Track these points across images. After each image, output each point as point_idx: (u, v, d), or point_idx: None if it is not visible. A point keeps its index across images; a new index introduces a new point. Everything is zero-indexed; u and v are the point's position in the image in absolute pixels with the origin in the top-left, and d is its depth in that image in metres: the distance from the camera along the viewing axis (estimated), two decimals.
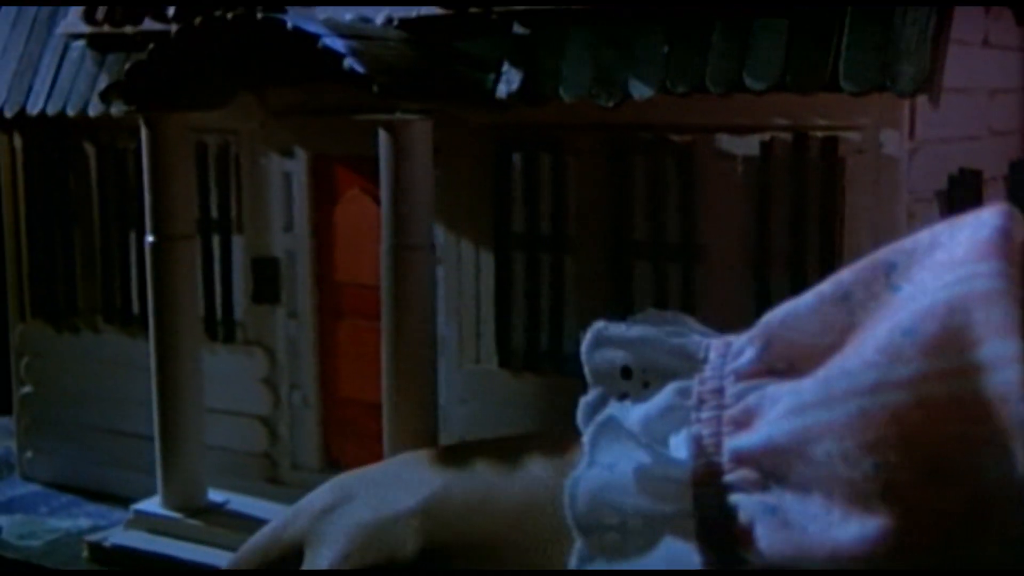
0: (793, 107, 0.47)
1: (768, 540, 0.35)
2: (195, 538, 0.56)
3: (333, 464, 0.60)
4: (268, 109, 0.59)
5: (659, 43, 0.49)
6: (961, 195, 0.49)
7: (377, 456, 0.57)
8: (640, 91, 0.48)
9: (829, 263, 0.47)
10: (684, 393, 0.38)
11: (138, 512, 0.57)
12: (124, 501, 0.65)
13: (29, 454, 0.69)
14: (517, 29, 0.52)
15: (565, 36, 0.51)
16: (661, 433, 0.38)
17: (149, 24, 0.61)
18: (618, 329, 0.41)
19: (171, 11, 0.60)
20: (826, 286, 0.37)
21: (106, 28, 0.62)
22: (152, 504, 0.58)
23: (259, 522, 0.55)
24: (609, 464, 0.38)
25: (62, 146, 0.65)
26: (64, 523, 0.63)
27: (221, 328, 0.61)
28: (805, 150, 0.47)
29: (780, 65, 0.46)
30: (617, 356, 0.40)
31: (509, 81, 0.51)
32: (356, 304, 0.58)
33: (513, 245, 0.53)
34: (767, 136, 0.48)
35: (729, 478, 0.36)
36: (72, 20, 0.64)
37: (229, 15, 0.50)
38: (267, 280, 0.60)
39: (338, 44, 0.48)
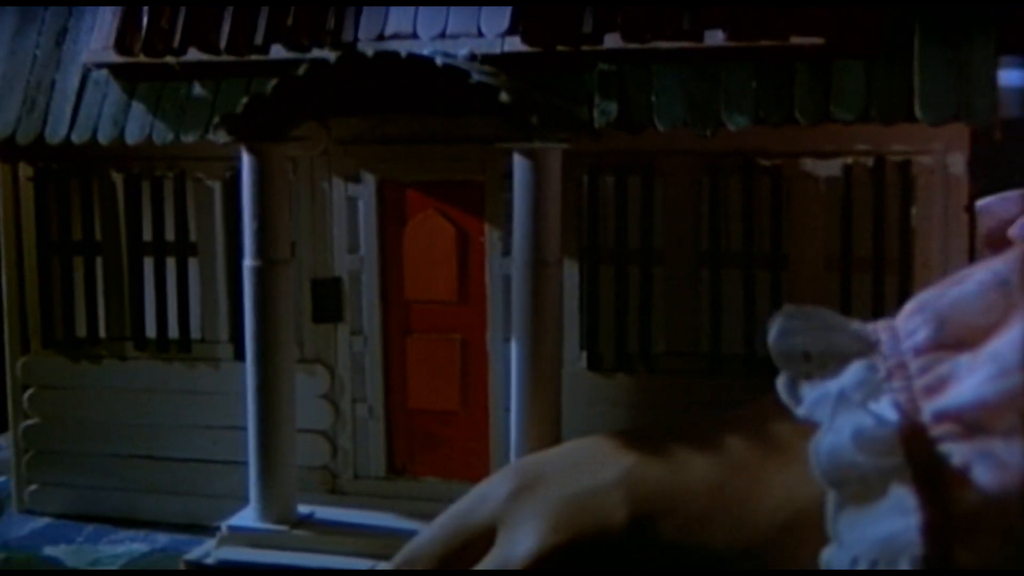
0: (871, 135, 0.56)
1: (988, 479, 0.42)
2: (297, 547, 0.58)
3: (398, 472, 0.64)
4: (332, 138, 0.62)
5: (747, 78, 0.56)
6: None
7: (446, 461, 0.62)
8: (735, 121, 0.56)
9: (904, 269, 0.56)
10: (872, 369, 0.46)
11: (232, 528, 0.59)
12: (153, 525, 0.66)
13: (33, 487, 0.68)
14: (602, 66, 0.58)
15: (650, 72, 0.58)
16: (860, 403, 0.46)
17: (195, 55, 0.63)
18: (801, 318, 0.48)
19: (223, 42, 0.62)
20: (985, 275, 0.45)
21: (142, 58, 0.63)
22: (245, 519, 0.59)
23: (348, 528, 0.59)
24: (837, 428, 0.45)
25: (85, 175, 0.66)
26: (118, 549, 0.63)
27: None
28: (883, 172, 0.56)
29: (863, 98, 0.55)
30: (798, 342, 0.48)
31: (606, 112, 0.57)
32: (426, 320, 0.62)
33: (603, 259, 0.59)
34: (849, 160, 0.56)
35: (935, 433, 0.44)
36: (98, 49, 0.64)
37: (370, 52, 0.54)
38: (328, 300, 0.63)
39: (487, 79, 0.53)
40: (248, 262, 0.58)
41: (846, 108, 0.55)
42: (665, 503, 0.48)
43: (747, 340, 0.58)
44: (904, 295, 0.56)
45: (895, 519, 0.43)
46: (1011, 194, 0.65)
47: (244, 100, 0.56)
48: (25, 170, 0.66)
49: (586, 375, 0.60)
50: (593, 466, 0.49)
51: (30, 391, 0.68)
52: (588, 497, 0.48)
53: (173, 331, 0.65)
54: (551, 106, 0.56)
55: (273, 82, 0.55)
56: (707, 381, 0.59)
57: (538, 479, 0.50)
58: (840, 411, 0.45)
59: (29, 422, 0.68)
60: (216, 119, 0.57)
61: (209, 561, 0.58)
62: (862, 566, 0.43)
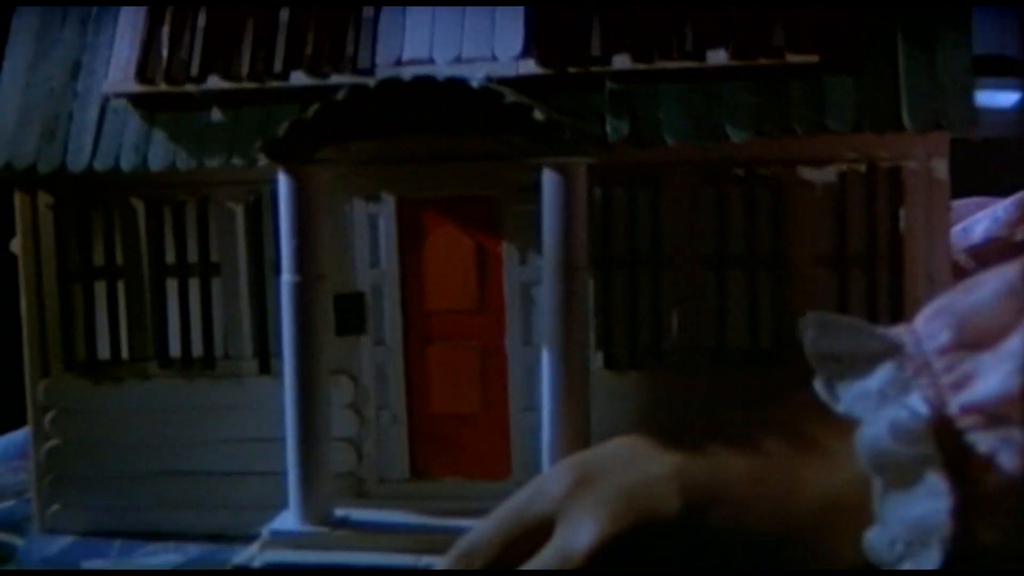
0: (862, 143, 0.61)
1: (1011, 464, 0.48)
2: (342, 547, 0.61)
3: (421, 475, 0.67)
4: (351, 159, 0.66)
5: (747, 94, 0.61)
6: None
7: (467, 462, 0.66)
8: (737, 134, 0.61)
9: (895, 266, 0.61)
10: (900, 368, 0.51)
11: (275, 532, 0.62)
12: (179, 538, 0.69)
13: (55, 507, 0.70)
14: (611, 85, 0.63)
15: (656, 90, 0.63)
16: (894, 398, 0.51)
17: (216, 83, 0.66)
18: (831, 324, 0.53)
19: (244, 70, 0.66)
20: (998, 283, 0.51)
21: (163, 87, 0.66)
22: (286, 524, 0.62)
23: (386, 527, 0.62)
24: (876, 421, 0.50)
25: (106, 203, 0.68)
26: (155, 560, 0.66)
27: None
28: (875, 177, 0.61)
29: (854, 110, 0.60)
30: (831, 345, 0.53)
31: (618, 128, 0.62)
32: (446, 328, 0.66)
33: (615, 264, 0.64)
34: (843, 167, 0.62)
35: (962, 424, 0.49)
36: (117, 79, 0.67)
37: (407, 77, 0.58)
38: (351, 314, 0.66)
39: (518, 99, 0.57)
40: (288, 278, 0.61)
41: (839, 119, 0.60)
42: (713, 494, 0.52)
43: (750, 335, 0.63)
44: (895, 290, 0.62)
45: (928, 502, 0.48)
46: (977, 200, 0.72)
47: (285, 124, 0.59)
48: (45, 199, 0.69)
49: (602, 373, 0.64)
50: (644, 461, 0.54)
51: (51, 413, 0.70)
52: (643, 488, 0.52)
53: (197, 349, 0.68)
54: (574, 124, 0.60)
55: (314, 107, 0.59)
56: (714, 373, 0.63)
57: (593, 474, 0.54)
58: (881, 406, 0.50)
59: (50, 444, 0.70)
60: (256, 143, 0.60)
61: (256, 564, 0.61)
62: (899, 546, 0.48)
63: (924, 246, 0.61)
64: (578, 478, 0.54)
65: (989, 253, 0.60)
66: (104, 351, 0.69)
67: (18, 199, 0.69)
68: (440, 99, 0.58)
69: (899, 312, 0.61)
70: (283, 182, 0.60)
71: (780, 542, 0.52)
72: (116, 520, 0.69)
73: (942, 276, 0.61)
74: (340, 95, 0.59)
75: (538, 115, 0.57)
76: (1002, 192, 0.83)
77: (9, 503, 0.74)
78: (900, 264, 0.61)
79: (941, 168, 0.61)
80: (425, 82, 0.57)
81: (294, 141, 0.59)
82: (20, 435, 0.88)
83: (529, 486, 0.56)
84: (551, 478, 0.55)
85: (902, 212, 0.61)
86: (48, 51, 0.69)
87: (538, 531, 0.54)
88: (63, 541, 0.69)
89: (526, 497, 0.55)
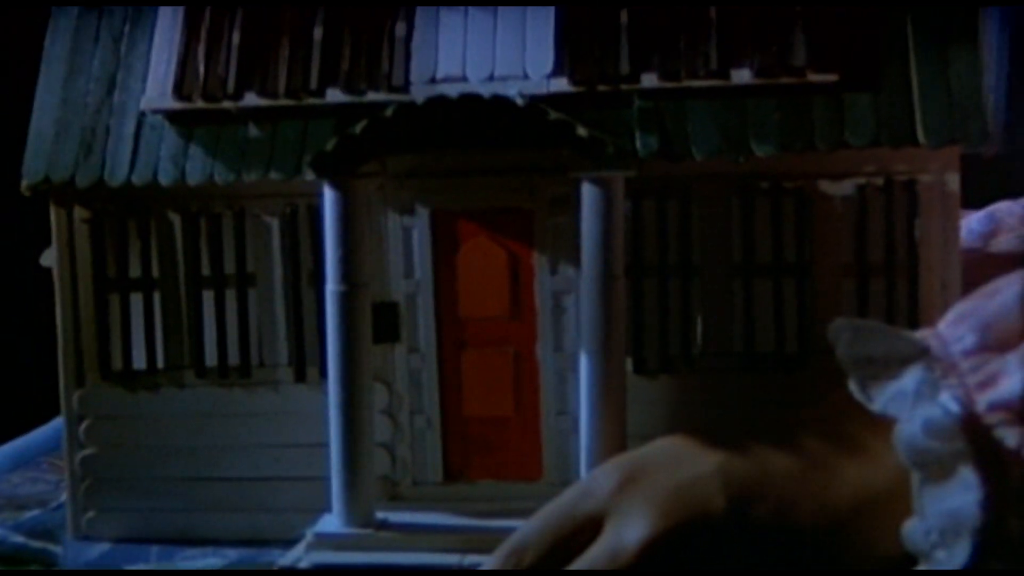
0: (880, 158, 0.65)
1: None
2: (388, 547, 0.64)
3: (454, 477, 0.69)
4: (388, 172, 0.68)
5: (771, 111, 0.65)
6: None
7: (499, 464, 0.69)
8: (763, 149, 0.64)
9: (912, 273, 0.65)
10: (930, 370, 0.54)
11: (319, 535, 0.64)
12: (216, 542, 0.70)
13: (91, 514, 0.71)
14: (640, 103, 0.66)
15: (684, 107, 0.65)
16: (928, 398, 0.54)
17: (252, 99, 0.68)
18: (863, 330, 0.56)
19: (281, 87, 0.68)
20: (1018, 288, 0.54)
21: (200, 103, 0.68)
22: (330, 526, 0.64)
23: (428, 527, 0.65)
24: (912, 419, 0.53)
25: (142, 216, 0.70)
26: (196, 563, 0.67)
27: None
28: (892, 190, 0.65)
29: (873, 126, 0.64)
30: (863, 349, 0.56)
31: (648, 144, 0.65)
32: (480, 334, 0.68)
33: (646, 274, 0.66)
34: (862, 180, 0.65)
35: (990, 420, 0.52)
36: (155, 95, 0.69)
37: (454, 95, 0.60)
38: (386, 322, 0.68)
39: (561, 115, 0.60)
40: (333, 287, 0.63)
41: (858, 135, 0.63)
42: (757, 490, 0.55)
43: (777, 340, 0.66)
44: (912, 297, 0.65)
45: (961, 495, 0.51)
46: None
47: (334, 140, 0.61)
48: (81, 212, 0.70)
49: (633, 379, 0.67)
50: (689, 460, 0.56)
51: (86, 422, 0.71)
52: (690, 486, 0.55)
53: (233, 358, 0.70)
54: (613, 140, 0.63)
55: (363, 123, 0.61)
56: (742, 377, 0.66)
57: (639, 474, 0.56)
58: (916, 405, 0.53)
59: (86, 452, 0.71)
60: (306, 157, 0.62)
61: (304, 565, 0.63)
62: (933, 536, 0.52)
63: (938, 255, 0.65)
64: (625, 478, 0.57)
65: (967, 264, 0.64)
66: (140, 361, 0.70)
67: (54, 212, 0.70)
68: (484, 115, 0.61)
69: (915, 317, 0.64)
70: (329, 195, 0.63)
71: (820, 535, 0.55)
72: (151, 526, 0.71)
73: (954, 284, 0.65)
74: (388, 111, 0.61)
75: (581, 131, 0.59)
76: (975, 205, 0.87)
77: (35, 512, 0.75)
78: (916, 272, 0.64)
79: (953, 181, 0.64)
80: (472, 99, 0.60)
81: (341, 155, 0.61)
82: (27, 441, 0.89)
83: (576, 486, 0.58)
84: (598, 478, 0.58)
85: (917, 223, 0.64)
86: (82, 67, 0.71)
87: (587, 529, 0.56)
88: (101, 547, 0.70)
89: (574, 496, 0.58)
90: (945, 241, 0.65)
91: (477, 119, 0.61)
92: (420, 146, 0.63)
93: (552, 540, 0.57)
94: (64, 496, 0.73)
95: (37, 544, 0.71)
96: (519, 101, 0.60)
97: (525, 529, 0.58)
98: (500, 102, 0.60)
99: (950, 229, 0.65)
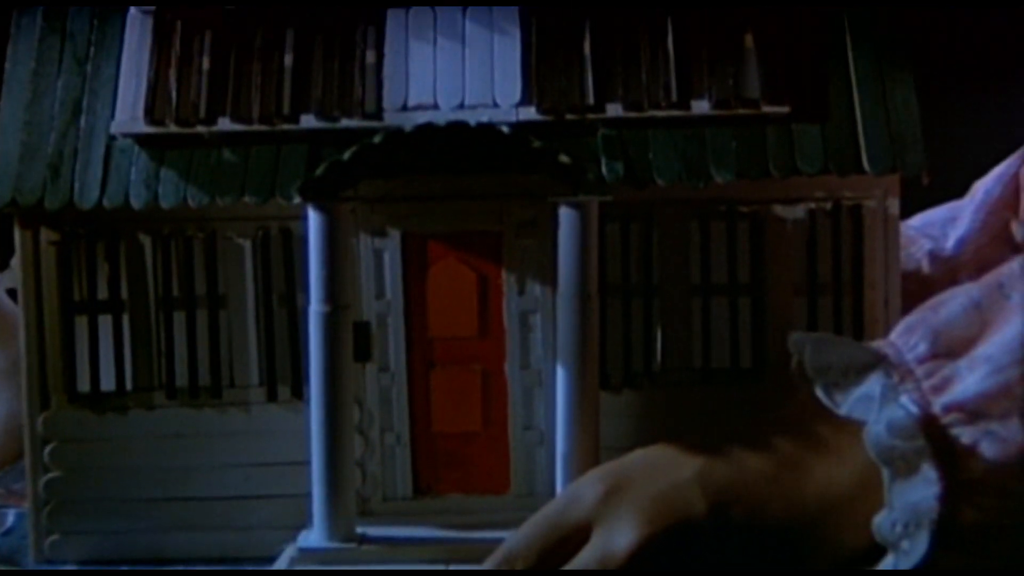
0: (828, 184, 0.69)
1: (992, 452, 0.56)
2: (373, 561, 0.65)
3: (424, 492, 0.72)
4: (359, 197, 0.70)
5: (728, 140, 0.69)
6: None
7: (468, 478, 0.71)
8: (722, 176, 0.68)
9: (857, 291, 0.69)
10: (889, 375, 0.59)
11: (303, 550, 0.65)
12: (185, 561, 0.71)
13: (55, 537, 0.71)
14: (604, 131, 0.69)
15: (646, 135, 0.69)
16: (891, 400, 0.59)
17: (226, 124, 0.69)
18: (825, 341, 0.61)
19: (255, 112, 0.69)
20: (964, 299, 0.60)
21: (172, 128, 0.69)
22: (313, 541, 0.66)
23: (410, 541, 0.67)
24: (878, 421, 0.58)
25: (112, 238, 0.70)
26: None
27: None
28: (839, 214, 0.70)
29: (822, 155, 0.68)
30: (826, 359, 0.60)
31: (614, 170, 0.68)
32: (449, 353, 0.71)
33: (610, 293, 0.70)
34: (812, 205, 0.70)
35: (946, 420, 0.57)
36: (126, 120, 0.70)
37: (443, 123, 0.63)
38: (358, 341, 0.70)
39: (543, 143, 0.63)
40: (317, 307, 0.65)
41: (809, 163, 0.68)
42: (733, 493, 0.59)
43: (733, 355, 0.70)
44: (857, 312, 0.70)
45: (922, 488, 0.56)
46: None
47: (324, 165, 0.63)
48: (48, 235, 0.70)
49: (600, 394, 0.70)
50: (670, 468, 0.60)
51: (51, 445, 0.71)
52: (672, 493, 0.59)
53: (204, 379, 0.71)
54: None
55: (352, 149, 0.63)
56: (701, 391, 0.70)
57: (624, 482, 0.60)
58: (881, 408, 0.57)
59: (50, 475, 0.71)
60: (279, 180, 0.64)
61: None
62: (898, 528, 0.56)
63: (881, 274, 0.69)
64: (610, 487, 0.60)
65: (963, 259, 0.69)
66: (108, 382, 0.71)
67: (19, 234, 0.70)
68: (470, 142, 0.63)
69: (860, 331, 0.69)
70: (314, 218, 0.64)
71: (793, 532, 0.59)
72: (118, 547, 0.71)
73: (895, 300, 0.70)
74: (377, 138, 0.63)
75: (564, 158, 0.62)
76: None
77: None
78: (861, 290, 0.69)
79: (894, 206, 0.69)
80: (460, 127, 0.62)
81: (329, 180, 0.63)
82: None
83: (563, 495, 0.61)
84: (584, 488, 0.61)
85: (863, 245, 0.69)
86: (46, 90, 0.71)
87: (574, 538, 0.60)
88: (67, 569, 0.70)
89: (561, 505, 0.61)
90: (887, 261, 0.70)
91: (463, 145, 0.64)
92: (405, 171, 0.66)
93: (541, 548, 0.60)
94: (11, 520, 0.73)
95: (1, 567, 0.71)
96: (504, 129, 0.63)
97: (514, 538, 0.60)
98: (487, 130, 0.63)
99: (892, 249, 0.70)
